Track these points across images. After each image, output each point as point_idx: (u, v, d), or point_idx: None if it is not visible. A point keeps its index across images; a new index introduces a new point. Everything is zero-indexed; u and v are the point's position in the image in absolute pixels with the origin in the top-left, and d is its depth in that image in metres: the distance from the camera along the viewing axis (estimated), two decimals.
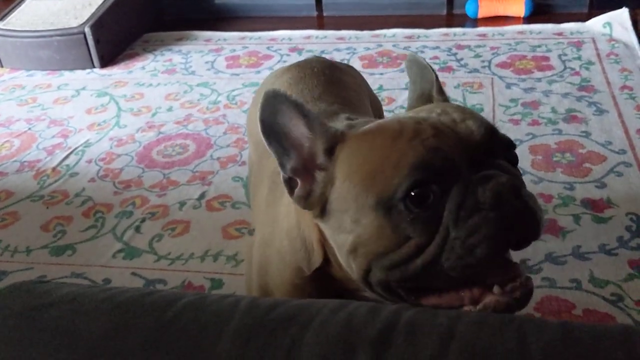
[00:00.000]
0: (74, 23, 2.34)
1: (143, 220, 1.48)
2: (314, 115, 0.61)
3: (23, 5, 2.53)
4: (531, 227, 0.54)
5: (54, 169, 1.74)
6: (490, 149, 0.57)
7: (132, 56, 2.49)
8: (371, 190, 0.56)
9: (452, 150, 0.55)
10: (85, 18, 2.35)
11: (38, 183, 1.68)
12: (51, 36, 2.32)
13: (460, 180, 0.54)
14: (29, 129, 1.98)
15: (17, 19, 2.42)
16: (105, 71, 2.36)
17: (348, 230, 0.58)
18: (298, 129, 0.61)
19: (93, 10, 2.40)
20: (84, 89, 2.23)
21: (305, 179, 0.62)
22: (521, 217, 0.53)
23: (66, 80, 2.32)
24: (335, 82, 1.00)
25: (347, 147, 0.60)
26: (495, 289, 0.53)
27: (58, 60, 2.36)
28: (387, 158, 0.55)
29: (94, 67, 2.37)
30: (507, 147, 0.60)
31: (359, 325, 0.38)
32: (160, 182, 1.63)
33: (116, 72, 2.35)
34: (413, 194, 0.53)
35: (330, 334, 0.37)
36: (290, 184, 0.63)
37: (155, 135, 1.87)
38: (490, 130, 0.58)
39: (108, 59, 2.41)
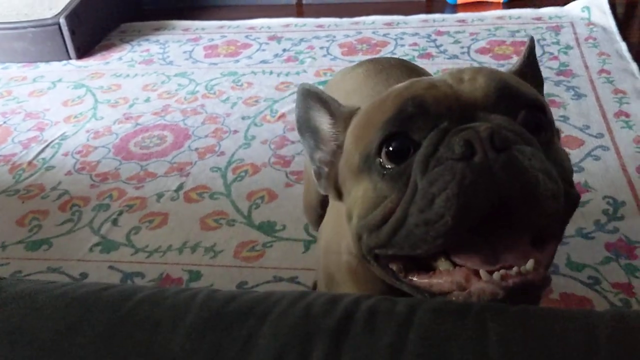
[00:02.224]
0: (49, 14, 2.30)
1: (120, 213, 1.47)
2: (335, 104, 0.60)
3: None
4: (515, 188, 0.43)
5: (29, 162, 1.71)
6: (496, 106, 0.48)
7: (108, 47, 2.45)
8: (357, 151, 0.53)
9: (435, 101, 0.48)
10: (60, 9, 2.31)
11: (13, 177, 1.66)
12: (25, 27, 2.28)
13: (437, 130, 0.47)
14: (4, 122, 1.95)
15: None
16: (81, 62, 2.33)
17: (347, 200, 0.56)
18: (325, 120, 0.60)
19: (68, 0, 2.36)
20: (60, 81, 2.20)
21: (330, 167, 0.61)
22: (501, 173, 0.43)
23: (42, 72, 2.28)
24: (417, 73, 0.95)
25: (354, 120, 0.58)
26: (482, 274, 0.44)
27: (33, 52, 2.33)
28: (373, 116, 0.52)
29: (70, 58, 2.34)
30: (524, 106, 0.49)
31: (317, 316, 0.37)
32: (137, 174, 1.61)
33: (93, 63, 2.32)
34: (391, 149, 0.48)
35: (288, 325, 0.37)
36: (319, 175, 0.62)
37: (133, 127, 1.85)
38: (503, 88, 0.48)
39: (84, 50, 2.38)
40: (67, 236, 1.42)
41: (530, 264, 0.44)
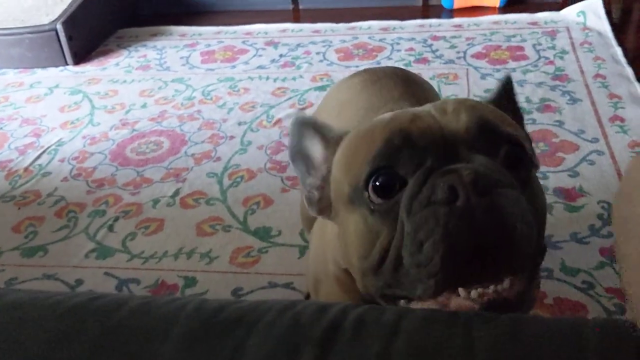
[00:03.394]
0: (46, 20, 2.30)
1: (116, 219, 1.47)
2: (327, 129, 0.61)
3: None
4: (496, 233, 0.44)
5: (26, 168, 1.72)
6: (477, 143, 0.49)
7: (106, 52, 2.46)
8: (346, 181, 0.54)
9: (420, 134, 0.49)
10: (57, 14, 2.32)
11: (10, 183, 1.66)
12: (22, 34, 2.28)
13: (422, 168, 0.48)
14: (1, 128, 1.95)
15: None
16: (78, 68, 2.33)
17: (340, 226, 0.57)
18: (317, 146, 0.62)
19: (65, 6, 2.36)
20: (57, 86, 2.20)
21: (322, 190, 0.62)
22: (482, 218, 0.44)
23: (39, 78, 2.28)
24: (412, 83, 0.96)
25: (343, 144, 0.59)
26: (460, 291, 0.46)
27: (30, 58, 2.33)
28: (360, 147, 0.53)
29: (67, 64, 2.34)
30: (504, 143, 0.50)
31: (305, 325, 0.37)
32: (134, 180, 1.61)
33: (90, 69, 2.32)
34: (378, 184, 0.49)
35: (276, 334, 0.37)
36: (310, 200, 0.63)
37: (129, 133, 1.85)
38: (484, 125, 0.50)
39: (81, 55, 2.38)
40: (62, 242, 1.42)
41: (506, 283, 0.46)
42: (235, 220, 1.41)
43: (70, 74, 2.29)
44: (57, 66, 2.34)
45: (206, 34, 2.55)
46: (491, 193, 0.45)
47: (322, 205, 0.61)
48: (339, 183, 0.56)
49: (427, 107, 0.55)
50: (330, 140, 0.60)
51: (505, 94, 0.63)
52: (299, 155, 0.63)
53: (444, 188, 0.45)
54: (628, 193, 0.44)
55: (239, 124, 1.83)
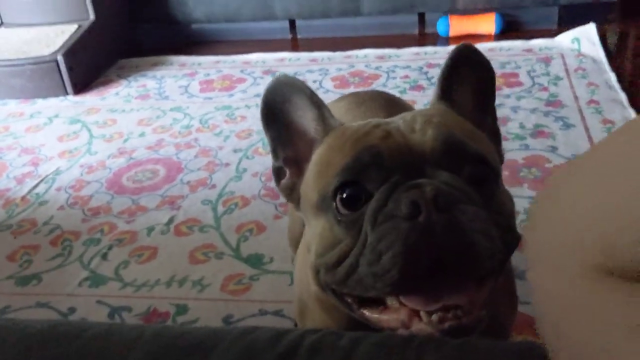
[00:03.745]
0: (47, 51, 2.34)
1: (110, 247, 1.48)
2: (326, 107, 0.60)
3: None
4: (456, 248, 0.46)
5: (23, 197, 1.73)
6: (443, 161, 0.51)
7: (106, 83, 2.49)
8: (316, 187, 0.56)
9: (389, 152, 0.51)
10: (58, 46, 2.36)
11: (7, 212, 1.67)
12: (23, 65, 2.32)
13: (388, 183, 0.50)
14: (0, 158, 1.97)
15: None
16: (78, 98, 2.36)
17: (306, 229, 0.58)
18: (305, 119, 0.60)
19: (66, 38, 2.41)
20: (56, 116, 2.23)
21: (294, 171, 0.62)
22: (442, 234, 0.46)
23: (39, 108, 2.31)
24: (394, 105, 0.97)
25: (322, 142, 0.59)
26: (422, 315, 0.47)
27: (31, 89, 2.36)
28: (333, 157, 0.55)
29: (67, 94, 2.37)
30: (469, 161, 0.52)
31: (260, 350, 0.38)
32: (129, 208, 1.62)
33: (89, 98, 2.36)
34: (345, 195, 0.52)
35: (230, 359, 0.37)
36: (278, 173, 0.62)
37: (126, 161, 1.87)
38: (449, 144, 0.52)
39: (82, 86, 2.41)
40: (56, 271, 1.42)
41: (466, 307, 0.47)
42: (228, 248, 1.42)
43: (70, 104, 2.32)
44: (57, 96, 2.37)
45: (205, 64, 2.58)
46: (451, 209, 0.47)
47: (293, 194, 0.61)
48: (310, 188, 0.57)
49: (397, 122, 0.56)
50: (326, 127, 0.59)
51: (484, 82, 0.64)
52: (277, 118, 0.60)
53: (406, 203, 0.47)
54: (533, 214, 0.43)
55: (235, 151, 1.85)
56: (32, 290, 1.37)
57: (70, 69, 2.34)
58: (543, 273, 0.39)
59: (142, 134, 2.03)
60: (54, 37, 2.43)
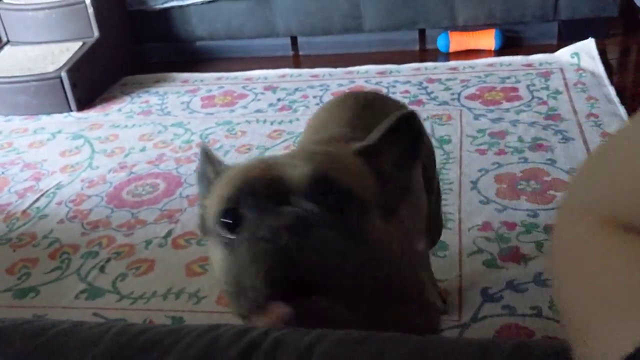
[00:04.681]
0: (51, 68, 2.37)
1: (108, 260, 1.48)
2: (218, 162, 0.71)
3: (1, 53, 2.57)
4: (308, 267, 0.53)
5: (23, 211, 1.74)
6: (308, 192, 0.58)
7: (109, 99, 2.52)
8: (211, 214, 0.63)
9: (263, 183, 0.59)
10: (62, 63, 2.39)
11: (7, 226, 1.68)
12: (28, 81, 2.35)
13: (258, 209, 0.58)
14: (2, 173, 1.99)
15: None
16: (82, 114, 2.38)
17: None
18: (211, 175, 0.70)
19: (70, 55, 2.44)
20: (59, 132, 2.25)
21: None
22: (297, 255, 0.53)
23: (43, 124, 2.34)
24: (368, 108, 1.00)
25: (217, 183, 0.68)
26: (277, 306, 0.55)
27: (35, 105, 2.39)
28: (222, 188, 0.63)
29: (71, 110, 2.40)
30: (334, 194, 0.59)
31: (222, 347, 0.38)
32: (128, 222, 1.63)
33: (92, 114, 2.38)
34: (223, 220, 0.59)
35: (191, 356, 0.37)
36: (202, 218, 0.69)
37: (127, 176, 1.88)
38: (317, 179, 0.59)
39: (85, 102, 2.44)
40: (54, 283, 1.43)
41: (314, 301, 0.53)
42: None
43: (74, 120, 2.34)
44: (61, 112, 2.40)
45: (207, 80, 2.61)
46: (306, 234, 0.54)
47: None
48: (209, 215, 0.64)
49: (284, 158, 0.64)
50: (218, 172, 0.69)
51: (390, 139, 0.67)
52: (202, 177, 0.71)
53: (269, 228, 0.55)
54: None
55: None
56: (30, 302, 1.38)
57: (74, 86, 2.36)
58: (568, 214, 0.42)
59: (143, 149, 2.04)
60: (59, 55, 2.46)
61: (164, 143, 2.07)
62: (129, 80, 2.70)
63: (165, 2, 2.74)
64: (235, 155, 1.91)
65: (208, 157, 0.71)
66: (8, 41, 2.67)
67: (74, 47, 2.51)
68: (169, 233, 1.56)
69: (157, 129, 2.19)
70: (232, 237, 0.58)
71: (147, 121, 2.26)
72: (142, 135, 2.15)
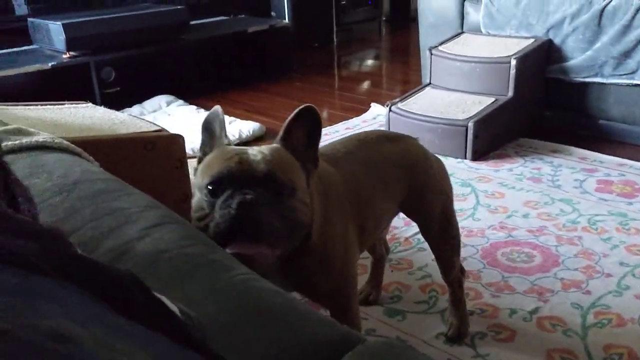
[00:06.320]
0: (461, 116, 2.56)
1: (472, 313, 1.53)
2: (224, 136, 0.99)
3: (422, 93, 2.88)
4: (251, 225, 0.88)
5: (406, 239, 1.92)
6: (261, 181, 0.90)
7: (502, 156, 2.59)
8: (201, 177, 0.95)
9: (237, 172, 0.90)
10: (472, 114, 2.55)
11: (391, 246, 1.87)
12: (438, 123, 2.58)
13: (231, 189, 0.89)
14: None
15: (414, 103, 2.76)
16: (474, 164, 2.51)
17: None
18: (217, 132, 1.00)
19: (481, 107, 2.59)
20: (451, 175, 2.40)
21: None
22: (247, 219, 0.87)
23: None
24: (364, 144, 1.24)
25: (213, 151, 0.98)
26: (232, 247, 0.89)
27: (437, 145, 2.60)
28: (211, 164, 0.94)
29: (465, 158, 2.55)
30: (274, 182, 0.90)
31: None
32: (497, 283, 1.66)
33: (484, 167, 2.48)
34: (210, 188, 0.91)
35: None
36: (200, 160, 1.00)
37: (505, 237, 1.91)
38: (264, 171, 0.90)
39: (481, 154, 2.56)
40: (420, 315, 1.54)
41: (254, 247, 0.89)
42: None
43: (466, 168, 2.48)
44: (456, 157, 2.57)
45: (608, 163, 2.47)
46: (254, 207, 0.87)
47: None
48: (198, 174, 0.97)
49: (249, 153, 0.93)
50: (214, 144, 0.99)
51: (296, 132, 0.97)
52: (207, 127, 1.00)
53: (234, 202, 0.88)
54: None
55: (621, 264, 1.72)
56: (396, 324, 1.51)
57: (475, 137, 2.50)
58: None
59: (525, 215, 2.05)
60: (471, 105, 2.63)
61: (549, 216, 2.04)
62: (525, 142, 2.73)
63: (587, 77, 2.69)
64: (624, 254, 1.77)
65: (218, 122, 0.99)
66: (430, 83, 2.97)
67: (486, 101, 2.65)
68: (535, 310, 1.53)
69: (544, 199, 2.17)
70: (212, 199, 0.90)
71: (536, 188, 2.26)
72: (528, 201, 2.16)
